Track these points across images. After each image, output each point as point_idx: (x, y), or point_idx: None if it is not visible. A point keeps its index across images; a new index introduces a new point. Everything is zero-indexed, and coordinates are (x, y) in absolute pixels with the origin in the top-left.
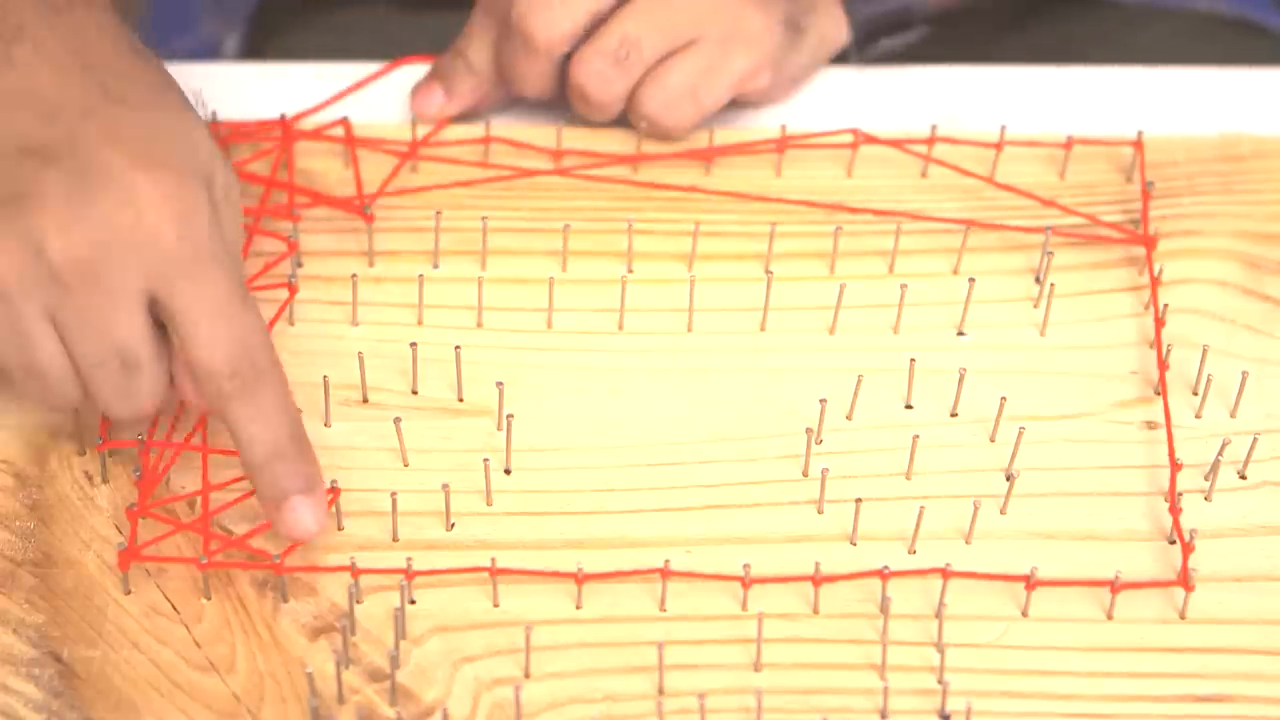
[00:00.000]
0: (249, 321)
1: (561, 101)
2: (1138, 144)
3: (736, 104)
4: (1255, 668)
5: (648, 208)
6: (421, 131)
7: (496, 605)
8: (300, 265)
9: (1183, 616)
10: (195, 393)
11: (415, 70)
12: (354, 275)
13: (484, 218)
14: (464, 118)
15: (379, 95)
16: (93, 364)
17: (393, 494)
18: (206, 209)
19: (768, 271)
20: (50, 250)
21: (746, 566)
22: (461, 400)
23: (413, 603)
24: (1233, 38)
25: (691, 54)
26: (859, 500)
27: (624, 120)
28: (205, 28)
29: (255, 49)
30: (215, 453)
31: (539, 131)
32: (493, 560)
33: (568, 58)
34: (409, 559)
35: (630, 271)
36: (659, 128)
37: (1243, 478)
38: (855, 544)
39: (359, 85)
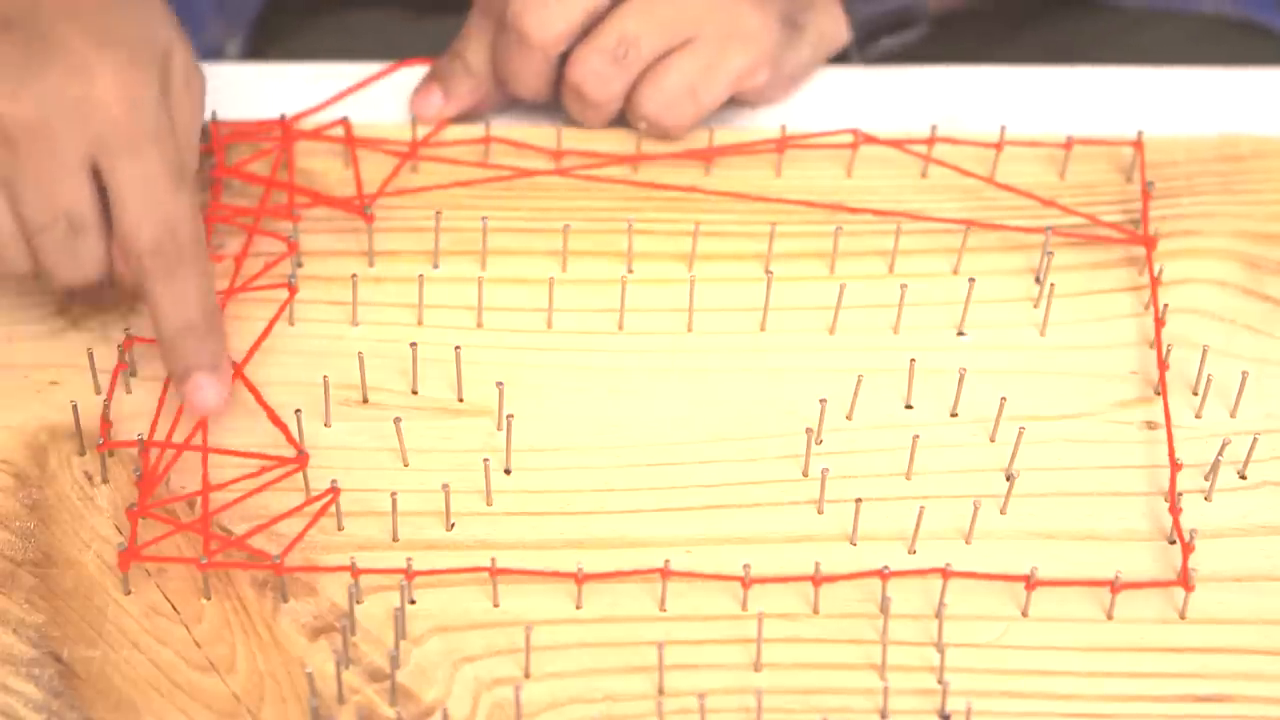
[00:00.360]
0: (180, 204)
1: (559, 102)
2: (1138, 144)
3: (736, 103)
4: (1255, 668)
5: (648, 208)
6: (422, 132)
7: (496, 605)
8: (300, 265)
9: (1183, 616)
10: (123, 264)
11: (415, 71)
12: (354, 275)
13: (484, 218)
14: (463, 119)
15: (379, 96)
16: (40, 227)
17: (393, 494)
18: (155, 90)
19: (768, 271)
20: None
21: (746, 566)
22: (461, 400)
23: (413, 603)
24: (1238, 40)
25: (689, 53)
26: (859, 500)
27: (623, 120)
28: (211, 31)
29: (258, 52)
30: (215, 452)
31: (539, 131)
32: (493, 560)
33: (564, 59)
34: (409, 559)
35: (630, 271)
36: (658, 128)
37: (1243, 478)
38: (855, 544)
39: (359, 86)
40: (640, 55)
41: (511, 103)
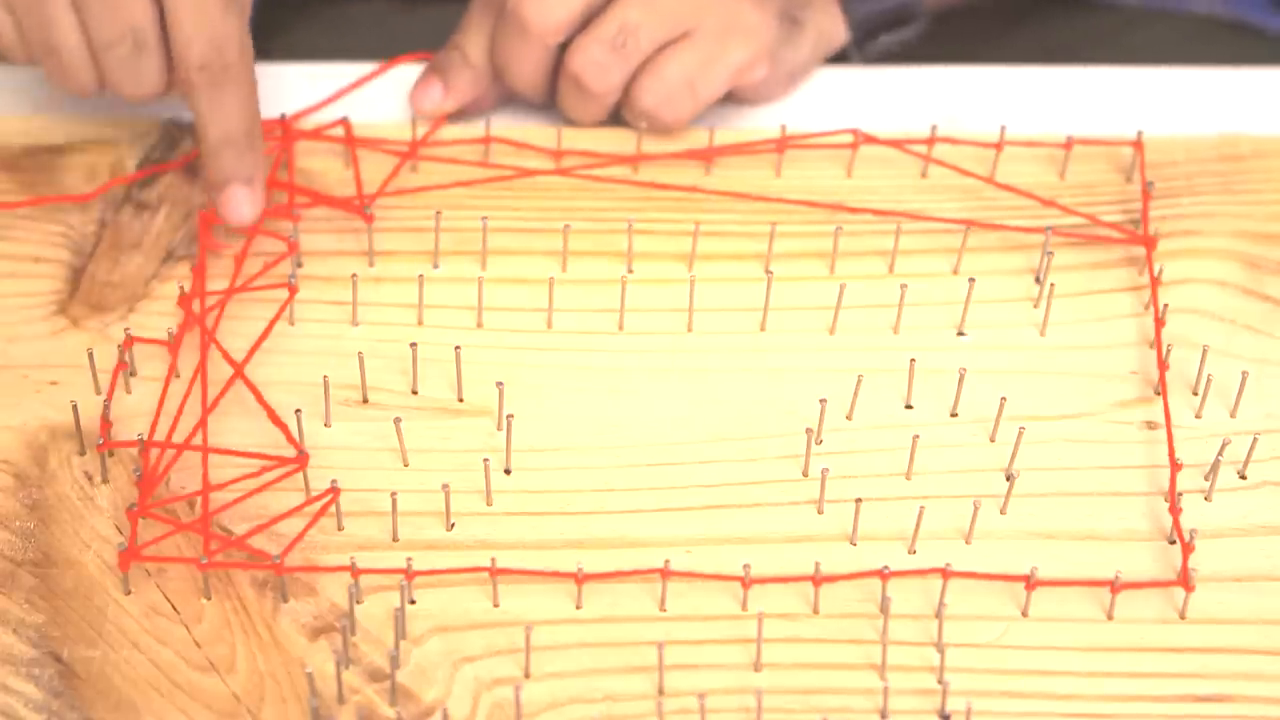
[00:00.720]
0: (229, 24)
1: (555, 100)
2: (1137, 144)
3: (736, 101)
4: (1255, 668)
5: (648, 208)
6: (421, 131)
7: (496, 605)
8: (300, 265)
9: (1183, 616)
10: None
11: (414, 69)
12: (354, 275)
13: (484, 218)
14: (463, 114)
15: (379, 95)
16: (107, 43)
17: (393, 494)
18: None
19: (768, 271)
20: None
21: (746, 566)
22: (461, 400)
23: (413, 603)
24: (1230, 40)
25: (688, 46)
26: (859, 500)
27: (624, 120)
28: None
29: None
30: (215, 452)
31: (539, 131)
32: (493, 560)
33: (562, 53)
34: (409, 559)
35: (630, 271)
36: (657, 122)
37: (1243, 478)
38: (855, 544)
39: (357, 84)
40: (640, 45)
41: (511, 97)
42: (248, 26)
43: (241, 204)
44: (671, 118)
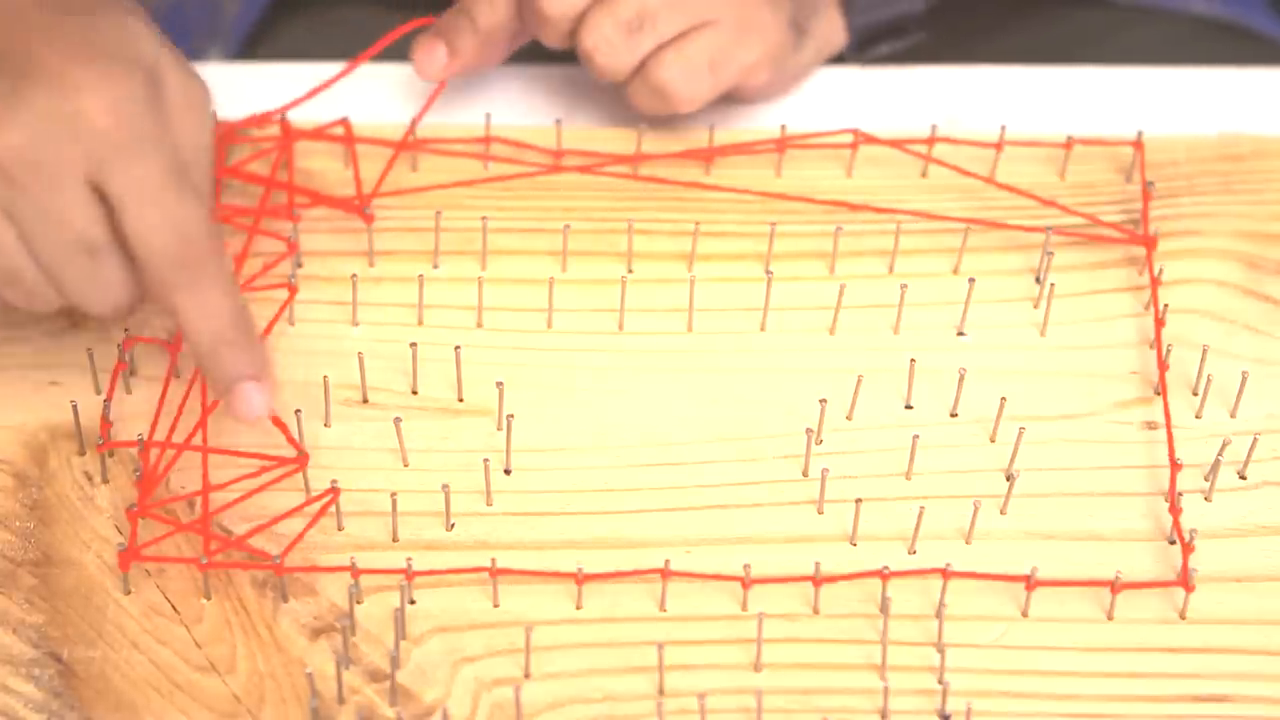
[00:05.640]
0: (186, 206)
1: (560, 100)
2: (1138, 144)
3: (733, 101)
4: (1255, 668)
5: (648, 208)
6: (421, 130)
7: (496, 605)
8: (300, 265)
9: (1183, 616)
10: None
11: (410, 71)
12: (354, 275)
13: (484, 218)
14: (465, 77)
15: (379, 95)
16: (55, 259)
17: (393, 494)
18: (142, 95)
19: (768, 271)
20: None
21: (746, 567)
22: (461, 400)
23: (413, 603)
24: (1228, 42)
25: (709, 33)
26: (859, 500)
27: (624, 120)
28: (196, 36)
29: (242, 51)
30: (215, 452)
31: (539, 131)
32: (493, 560)
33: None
34: (409, 559)
35: (630, 271)
36: (671, 99)
37: (1243, 478)
38: (855, 544)
39: (343, 74)
40: (656, 31)
41: (512, 68)
42: (210, 209)
43: (254, 401)
44: (688, 95)
